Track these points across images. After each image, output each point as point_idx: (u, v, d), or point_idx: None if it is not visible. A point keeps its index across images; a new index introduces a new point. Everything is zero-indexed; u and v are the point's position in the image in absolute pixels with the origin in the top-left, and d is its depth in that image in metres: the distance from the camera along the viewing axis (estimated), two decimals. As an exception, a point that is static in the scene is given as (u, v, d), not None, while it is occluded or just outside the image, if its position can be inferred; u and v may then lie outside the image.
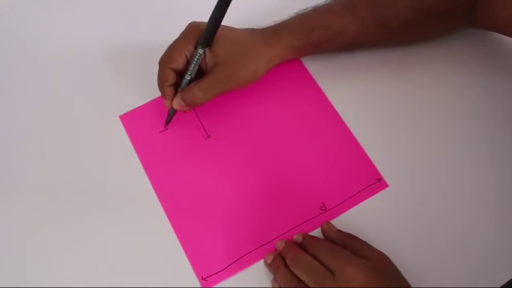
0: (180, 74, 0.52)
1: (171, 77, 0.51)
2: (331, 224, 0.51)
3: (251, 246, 0.50)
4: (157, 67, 0.58)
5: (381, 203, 0.52)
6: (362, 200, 0.52)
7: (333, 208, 0.52)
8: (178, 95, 0.51)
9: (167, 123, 0.55)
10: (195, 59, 0.51)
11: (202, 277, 0.49)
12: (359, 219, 0.51)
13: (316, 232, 0.51)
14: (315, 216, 0.51)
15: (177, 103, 0.51)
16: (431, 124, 0.56)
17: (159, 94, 0.56)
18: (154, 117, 0.56)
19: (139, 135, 0.55)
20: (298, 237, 0.50)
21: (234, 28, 0.53)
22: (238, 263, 0.49)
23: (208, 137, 0.55)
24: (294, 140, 0.55)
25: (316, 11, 0.55)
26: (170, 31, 0.55)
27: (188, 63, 0.51)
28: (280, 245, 0.49)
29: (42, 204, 0.52)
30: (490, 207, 0.52)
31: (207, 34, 0.50)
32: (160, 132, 0.55)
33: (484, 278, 0.49)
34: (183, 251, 0.50)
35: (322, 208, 0.52)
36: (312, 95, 0.57)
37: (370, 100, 0.57)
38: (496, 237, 0.50)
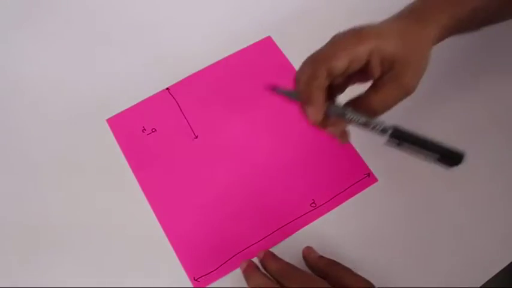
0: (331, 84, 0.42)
1: (323, 78, 0.40)
2: (312, 250, 0.49)
3: (242, 246, 0.50)
4: (145, 69, 0.59)
5: (371, 197, 0.52)
6: (352, 195, 0.52)
7: (323, 204, 0.52)
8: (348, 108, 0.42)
9: (276, 91, 0.43)
10: (371, 129, 0.41)
11: (194, 278, 0.49)
12: (348, 213, 0.51)
13: (307, 229, 0.51)
14: (306, 213, 0.51)
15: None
16: (421, 117, 0.56)
17: (145, 96, 0.57)
18: (142, 119, 0.56)
19: (127, 138, 0.55)
20: (259, 254, 0.48)
21: (386, 28, 0.43)
22: (229, 263, 0.49)
23: (196, 137, 0.55)
24: (283, 138, 0.55)
25: None
26: (156, 31, 0.55)
27: (346, 72, 0.41)
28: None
29: (31, 205, 0.52)
30: (480, 203, 0.52)
31: (406, 139, 0.41)
32: (147, 134, 0.55)
33: (474, 273, 0.49)
34: (174, 252, 0.50)
35: (312, 205, 0.52)
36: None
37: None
38: (487, 234, 0.51)
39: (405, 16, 0.44)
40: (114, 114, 0.56)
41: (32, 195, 0.52)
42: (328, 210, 0.51)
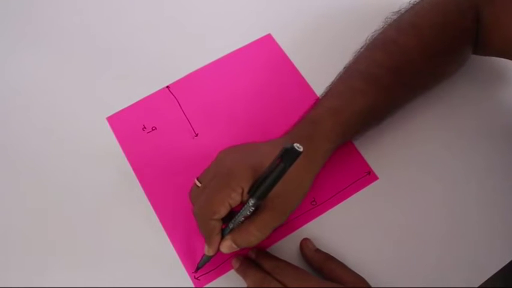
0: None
1: (218, 226, 0.45)
2: (310, 243, 0.49)
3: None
4: (144, 67, 0.59)
5: (371, 195, 0.52)
6: (352, 194, 0.52)
7: (323, 203, 0.52)
8: (228, 237, 0.45)
9: (199, 268, 0.49)
10: (247, 211, 0.44)
11: (194, 276, 0.49)
12: (348, 212, 0.51)
13: (307, 227, 0.51)
14: (306, 211, 0.51)
15: (228, 246, 0.45)
16: (421, 116, 0.56)
17: (145, 94, 0.57)
18: (142, 117, 0.56)
19: (127, 136, 0.55)
20: (252, 253, 0.49)
21: (266, 162, 0.43)
22: (230, 261, 0.49)
23: (197, 135, 0.55)
24: (283, 136, 0.55)
25: (341, 97, 0.50)
26: (157, 30, 0.55)
27: (232, 209, 0.45)
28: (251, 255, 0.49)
29: (31, 205, 0.52)
30: (480, 202, 0.52)
31: (268, 190, 0.43)
32: (148, 132, 0.55)
33: (473, 273, 0.49)
34: (174, 251, 0.50)
35: (313, 203, 0.52)
36: (301, 91, 0.57)
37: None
38: (486, 233, 0.51)
39: None
40: (114, 112, 0.56)
41: (32, 194, 0.52)
42: (329, 208, 0.51)
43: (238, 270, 0.48)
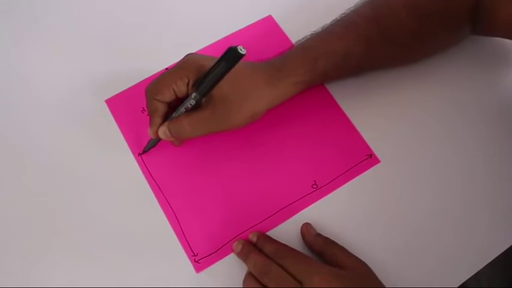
0: (171, 105, 0.49)
1: (160, 108, 0.48)
2: (311, 227, 0.49)
3: (243, 227, 0.50)
4: (142, 50, 0.58)
5: (372, 179, 0.52)
6: (353, 177, 0.52)
7: (324, 186, 0.51)
8: (166, 123, 0.48)
9: (145, 151, 0.52)
10: (188, 103, 0.47)
11: (195, 259, 0.48)
12: (349, 195, 0.51)
13: (308, 211, 0.50)
14: (307, 194, 0.51)
15: (163, 132, 0.49)
16: (424, 101, 0.55)
17: (144, 77, 0.56)
18: (141, 100, 0.54)
19: (126, 118, 0.54)
20: (253, 237, 0.49)
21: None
22: (230, 244, 0.49)
23: (197, 118, 0.54)
24: (285, 119, 0.54)
25: (317, 38, 0.52)
26: (155, 11, 0.54)
27: (176, 97, 0.48)
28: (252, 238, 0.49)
29: (31, 188, 0.51)
30: (483, 183, 0.52)
31: (209, 85, 0.45)
32: (147, 115, 0.54)
33: (475, 257, 0.49)
34: (175, 235, 0.49)
35: (314, 186, 0.51)
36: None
37: (360, 78, 0.56)
38: (491, 215, 0.50)
39: (261, 70, 0.49)
40: (113, 95, 0.56)
41: (30, 179, 0.52)
42: (330, 191, 0.51)
43: (239, 254, 0.48)
